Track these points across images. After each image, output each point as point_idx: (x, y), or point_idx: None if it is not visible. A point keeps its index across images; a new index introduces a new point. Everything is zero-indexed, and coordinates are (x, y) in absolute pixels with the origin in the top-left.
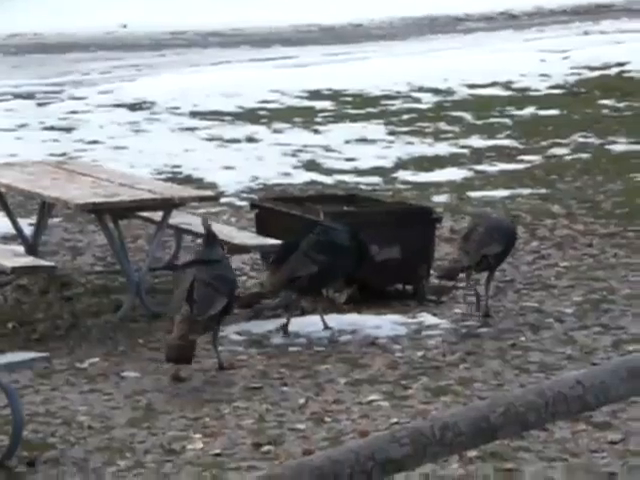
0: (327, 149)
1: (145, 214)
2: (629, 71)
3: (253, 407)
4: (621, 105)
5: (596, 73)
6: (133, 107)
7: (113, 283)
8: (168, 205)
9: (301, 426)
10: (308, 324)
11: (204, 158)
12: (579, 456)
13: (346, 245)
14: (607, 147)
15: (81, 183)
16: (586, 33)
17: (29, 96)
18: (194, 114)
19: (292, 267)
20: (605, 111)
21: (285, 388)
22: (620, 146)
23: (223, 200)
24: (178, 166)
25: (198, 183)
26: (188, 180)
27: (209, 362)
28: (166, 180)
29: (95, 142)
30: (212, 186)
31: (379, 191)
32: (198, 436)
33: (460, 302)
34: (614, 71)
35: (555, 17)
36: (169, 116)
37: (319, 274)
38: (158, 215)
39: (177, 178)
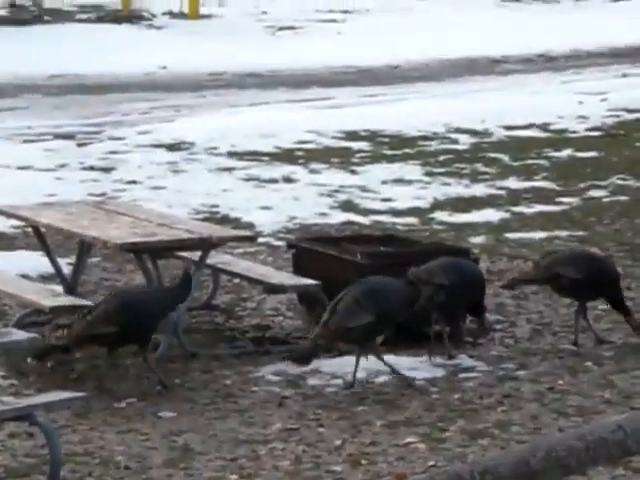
0: (364, 189)
1: (183, 254)
2: None
3: (289, 448)
4: None
5: (634, 115)
6: (172, 147)
7: None
8: (206, 245)
9: (337, 468)
10: (344, 365)
11: (242, 198)
12: None
13: (478, 278)
14: None
15: (120, 223)
16: (624, 75)
17: (69, 136)
18: (232, 154)
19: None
20: None
21: (321, 429)
22: None
23: (260, 240)
24: (216, 206)
25: (235, 223)
26: (225, 220)
27: (245, 402)
28: (204, 220)
29: (134, 182)
30: (249, 226)
31: (416, 232)
32: (234, 477)
33: (497, 344)
34: None
35: (593, 59)
36: (207, 156)
37: (449, 298)
38: (196, 255)
39: (215, 218)
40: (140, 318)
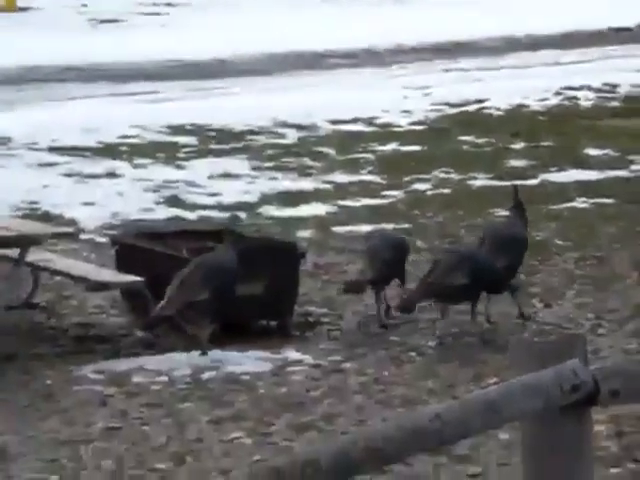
0: (190, 184)
1: (1, 251)
2: (488, 108)
3: (112, 447)
4: (480, 141)
5: (456, 110)
6: None
7: None
8: (24, 242)
9: (162, 466)
10: (169, 362)
11: (63, 194)
12: None
13: (493, 265)
14: (467, 182)
15: None
16: (446, 70)
17: None
18: (52, 149)
19: (442, 274)
20: (465, 147)
21: (145, 427)
22: (480, 181)
23: (83, 237)
24: (36, 202)
25: (57, 220)
26: (46, 217)
27: (67, 402)
28: (23, 217)
29: None
30: (71, 222)
31: (243, 226)
32: (55, 478)
33: (324, 337)
34: (473, 108)
35: (416, 54)
36: (26, 152)
37: (470, 286)
38: (15, 252)
39: (35, 215)
40: (226, 283)
